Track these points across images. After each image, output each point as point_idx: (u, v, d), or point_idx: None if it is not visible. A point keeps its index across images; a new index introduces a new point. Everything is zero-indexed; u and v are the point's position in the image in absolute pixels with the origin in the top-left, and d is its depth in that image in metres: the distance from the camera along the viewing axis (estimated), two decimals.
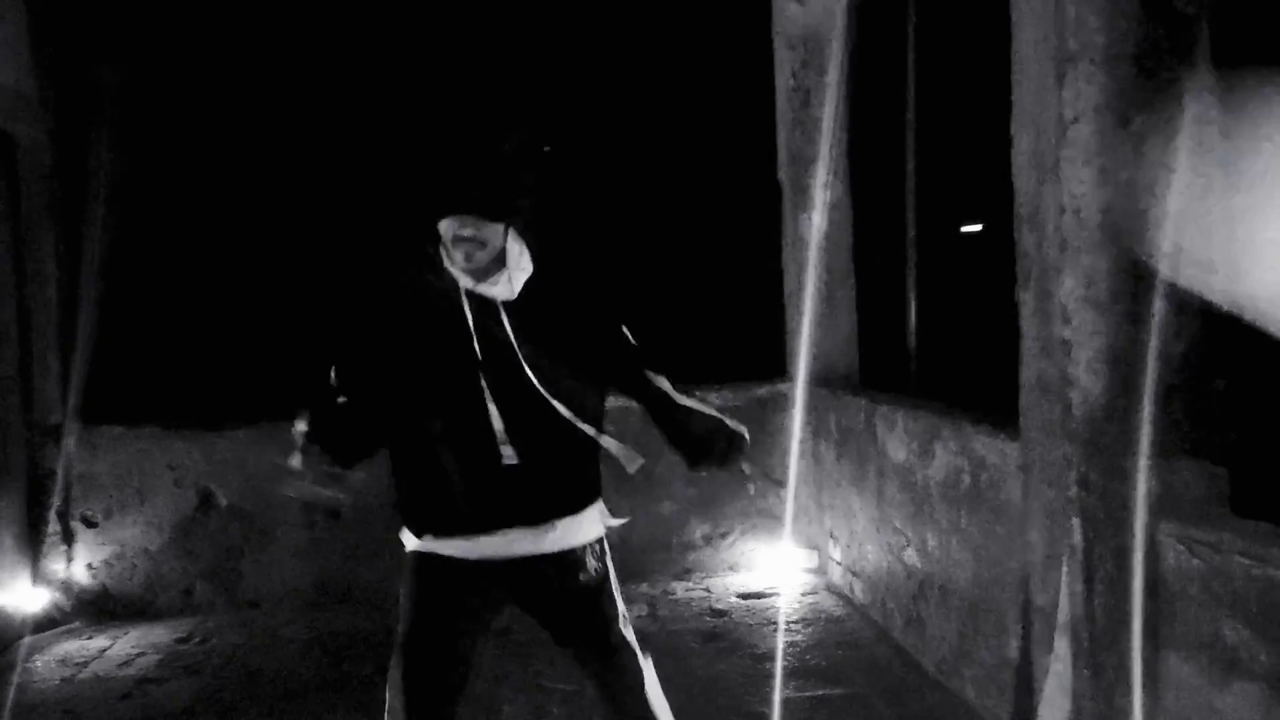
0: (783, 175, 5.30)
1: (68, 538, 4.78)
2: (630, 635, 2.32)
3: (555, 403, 2.17)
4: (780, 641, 4.13)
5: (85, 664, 4.24)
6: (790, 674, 3.79)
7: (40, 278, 4.74)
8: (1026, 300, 2.74)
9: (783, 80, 5.20)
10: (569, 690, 3.75)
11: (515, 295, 2.16)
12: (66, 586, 4.78)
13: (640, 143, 5.53)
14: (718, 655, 4.03)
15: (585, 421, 2.25)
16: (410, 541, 2.26)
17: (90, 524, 4.80)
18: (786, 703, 3.52)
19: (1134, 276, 2.38)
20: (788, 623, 4.37)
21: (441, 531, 2.21)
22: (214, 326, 5.77)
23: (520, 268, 2.18)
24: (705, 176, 5.46)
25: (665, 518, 5.13)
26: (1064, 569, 2.53)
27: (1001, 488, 3.07)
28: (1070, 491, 2.49)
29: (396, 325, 2.17)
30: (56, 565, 4.77)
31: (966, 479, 3.31)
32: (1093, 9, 2.39)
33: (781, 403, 5.18)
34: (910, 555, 3.84)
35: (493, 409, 2.13)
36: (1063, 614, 2.56)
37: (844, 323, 5.20)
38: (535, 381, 2.12)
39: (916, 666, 3.75)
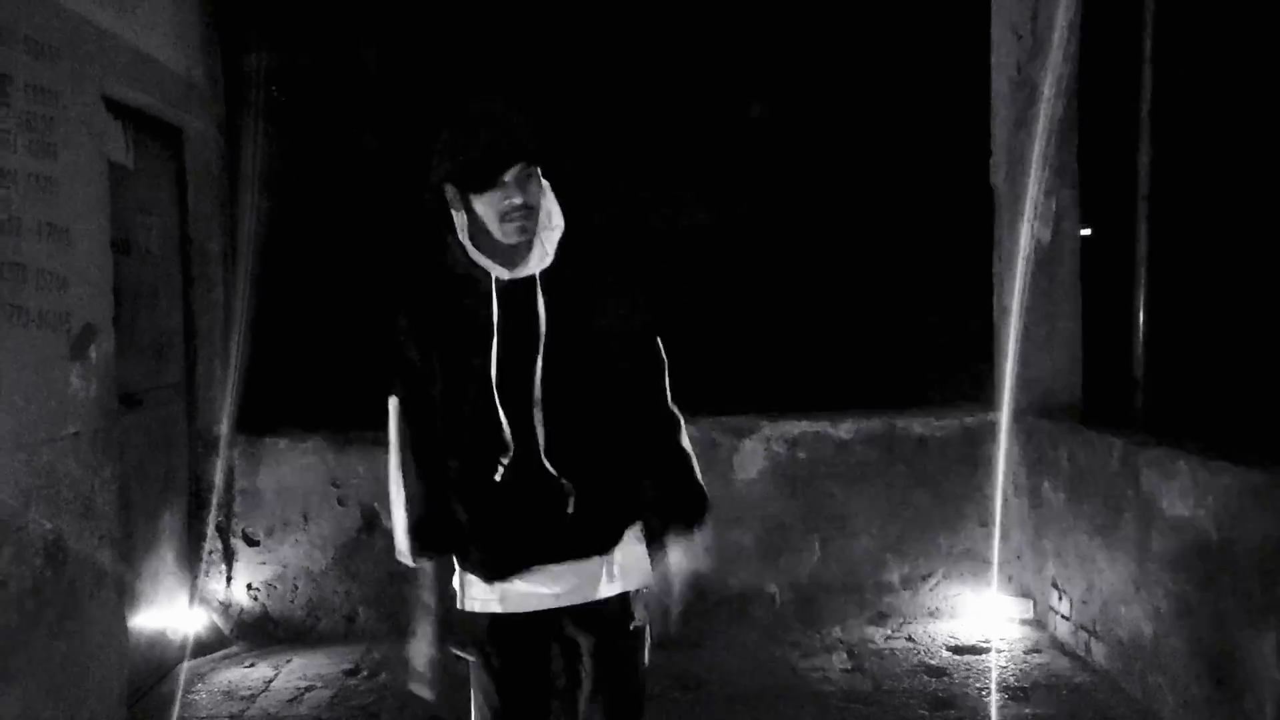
0: (997, 180, 4.78)
1: (228, 556, 4.51)
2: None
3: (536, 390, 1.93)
4: (1023, 713, 3.63)
5: (252, 698, 3.95)
6: None
7: (206, 280, 4.47)
8: None
9: (1003, 73, 4.67)
10: None
11: (549, 260, 1.93)
12: (225, 608, 4.51)
13: (838, 140, 5.05)
14: None
15: (615, 411, 1.97)
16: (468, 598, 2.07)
17: (251, 542, 4.52)
18: None
19: None
20: (1021, 687, 3.86)
21: (496, 572, 2.02)
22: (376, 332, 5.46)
23: (552, 226, 1.94)
24: (904, 179, 4.96)
25: (859, 556, 4.66)
26: None
27: None
28: None
29: (430, 339, 1.98)
30: (216, 585, 4.51)
31: None
32: None
33: (993, 433, 4.66)
34: (1195, 626, 3.30)
35: (504, 416, 1.92)
36: None
37: (1067, 347, 4.65)
38: (540, 367, 1.90)
39: None
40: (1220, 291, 4.95)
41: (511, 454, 1.94)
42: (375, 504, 4.52)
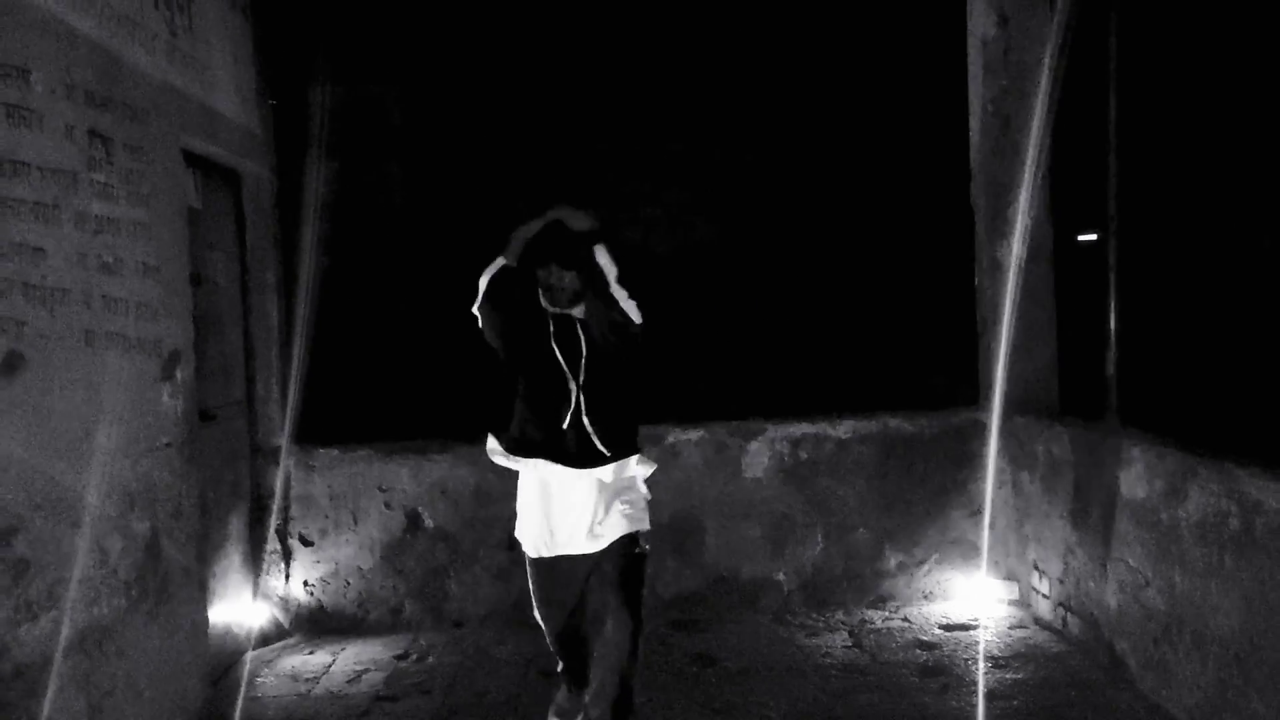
0: (977, 199, 5.23)
1: (286, 556, 4.99)
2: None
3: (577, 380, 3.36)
4: (1005, 678, 4.07)
5: (315, 679, 4.42)
6: (1026, 714, 3.73)
7: (263, 307, 4.96)
8: None
9: (979, 104, 5.13)
10: None
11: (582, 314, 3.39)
12: (285, 603, 4.99)
13: (832, 164, 5.51)
14: (942, 692, 3.98)
15: (616, 400, 3.39)
16: (528, 547, 3.46)
17: (307, 543, 5.00)
18: None
19: None
20: (1004, 658, 4.30)
21: (533, 453, 3.38)
22: (417, 349, 5.94)
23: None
24: (894, 201, 5.41)
25: (859, 545, 5.10)
26: None
27: None
28: None
29: (521, 328, 3.40)
30: (275, 582, 4.98)
31: (1235, 522, 3.21)
32: None
33: (977, 430, 5.11)
34: (1151, 596, 3.74)
35: (572, 385, 3.34)
36: None
37: (1043, 349, 5.09)
38: (583, 371, 3.35)
39: (1163, 712, 3.65)
40: (1184, 296, 5.36)
41: (571, 404, 3.35)
42: (418, 507, 4.99)
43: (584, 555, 3.36)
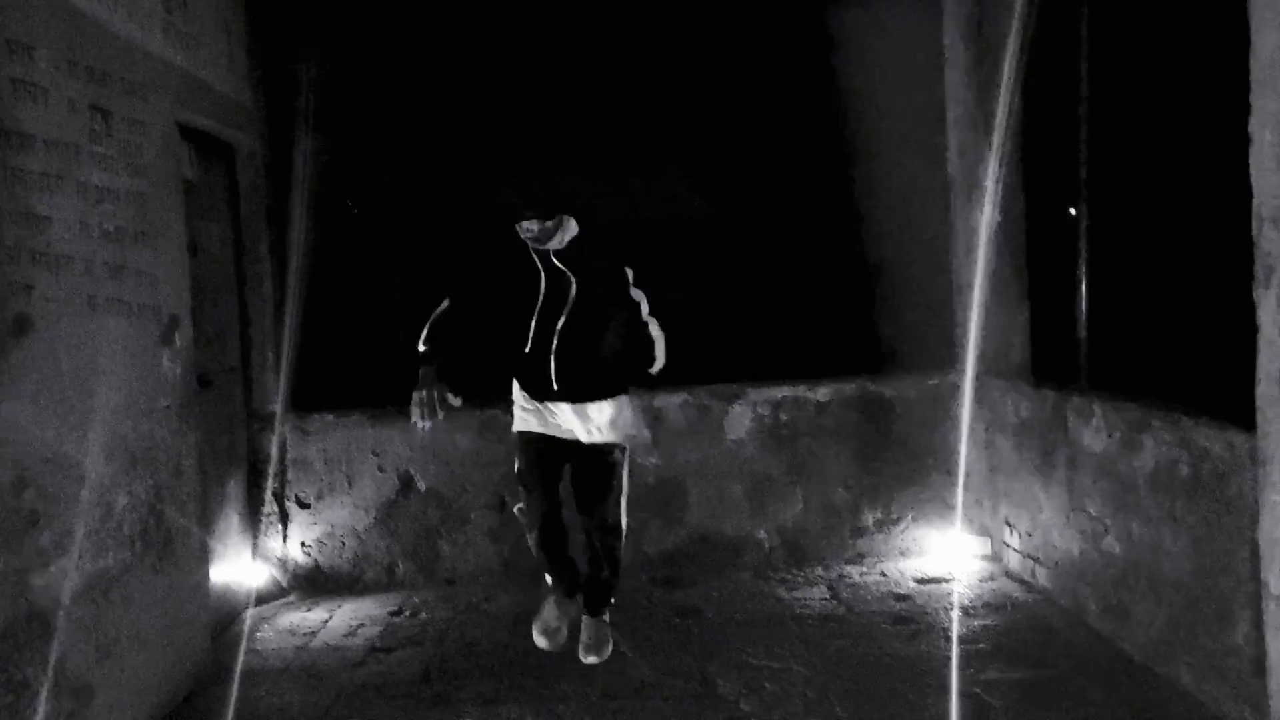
0: (952, 168, 5.38)
1: (283, 518, 5.15)
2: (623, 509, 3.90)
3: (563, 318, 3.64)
4: (972, 625, 4.26)
5: (313, 633, 4.59)
6: (990, 656, 3.92)
7: (257, 276, 5.10)
8: (1267, 299, 2.80)
9: (954, 73, 5.27)
10: (776, 667, 3.95)
11: (564, 245, 3.62)
12: (283, 563, 5.16)
13: (811, 135, 5.65)
14: (912, 638, 4.17)
15: (607, 330, 3.66)
16: (517, 423, 3.86)
17: (303, 505, 5.16)
18: (994, 684, 3.66)
19: None
20: (973, 607, 4.49)
21: (527, 395, 3.79)
22: (408, 316, 6.06)
23: (567, 230, 3.62)
24: (870, 170, 5.54)
25: (838, 504, 5.28)
26: None
27: (1229, 479, 3.14)
28: None
29: (500, 272, 3.68)
30: (273, 543, 5.15)
31: (1185, 470, 3.39)
32: None
33: (953, 392, 5.28)
34: (1110, 543, 3.93)
35: (534, 322, 3.64)
36: None
37: (1016, 314, 5.25)
38: (573, 297, 3.61)
39: (1120, 652, 3.84)
40: (1148, 261, 5.50)
41: (531, 342, 3.66)
42: (410, 469, 5.16)
43: (567, 441, 3.80)
